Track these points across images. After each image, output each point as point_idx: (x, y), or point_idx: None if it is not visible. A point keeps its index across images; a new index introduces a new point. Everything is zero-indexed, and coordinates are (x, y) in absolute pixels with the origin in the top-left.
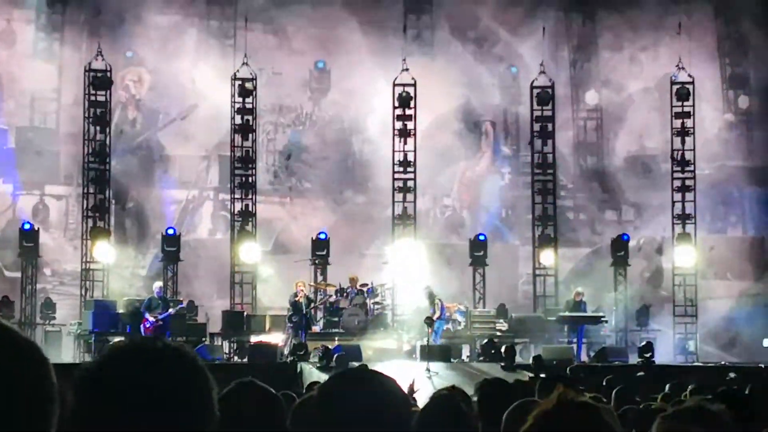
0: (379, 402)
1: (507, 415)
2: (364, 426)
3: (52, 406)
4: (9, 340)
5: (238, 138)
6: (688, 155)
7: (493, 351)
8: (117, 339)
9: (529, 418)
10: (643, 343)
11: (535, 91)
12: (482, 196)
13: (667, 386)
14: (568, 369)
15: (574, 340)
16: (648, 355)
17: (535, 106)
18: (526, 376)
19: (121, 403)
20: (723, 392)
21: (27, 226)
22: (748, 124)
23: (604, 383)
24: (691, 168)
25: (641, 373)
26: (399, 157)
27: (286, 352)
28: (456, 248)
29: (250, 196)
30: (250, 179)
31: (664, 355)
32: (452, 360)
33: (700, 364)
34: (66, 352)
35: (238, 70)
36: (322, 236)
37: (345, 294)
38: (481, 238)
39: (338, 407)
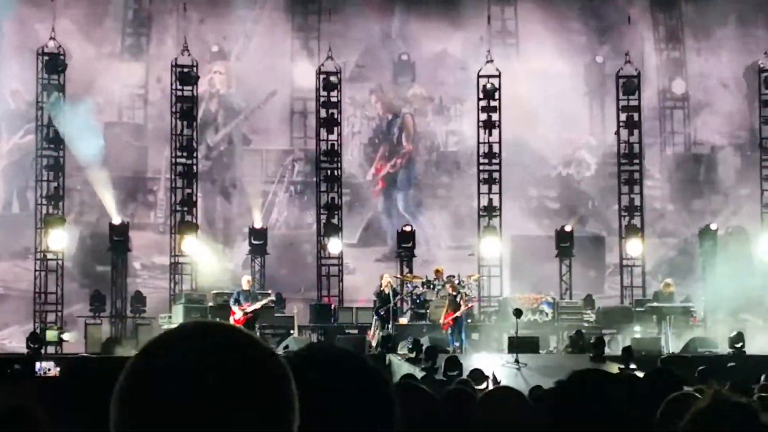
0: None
1: (664, 407)
2: None
3: (292, 414)
4: (253, 347)
5: (323, 131)
6: None
7: (581, 342)
8: None
9: (687, 416)
10: (734, 333)
11: (621, 80)
12: (567, 186)
13: (763, 376)
14: (658, 360)
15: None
16: (739, 345)
17: (621, 96)
18: (615, 367)
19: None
20: None
21: (117, 221)
22: None
23: (696, 374)
24: None
25: (732, 364)
26: (484, 149)
27: (374, 344)
28: (541, 240)
29: (335, 189)
30: (336, 172)
31: (754, 345)
32: (540, 351)
33: None
34: None
35: (322, 64)
36: (408, 228)
37: (431, 286)
38: (567, 229)
39: None
